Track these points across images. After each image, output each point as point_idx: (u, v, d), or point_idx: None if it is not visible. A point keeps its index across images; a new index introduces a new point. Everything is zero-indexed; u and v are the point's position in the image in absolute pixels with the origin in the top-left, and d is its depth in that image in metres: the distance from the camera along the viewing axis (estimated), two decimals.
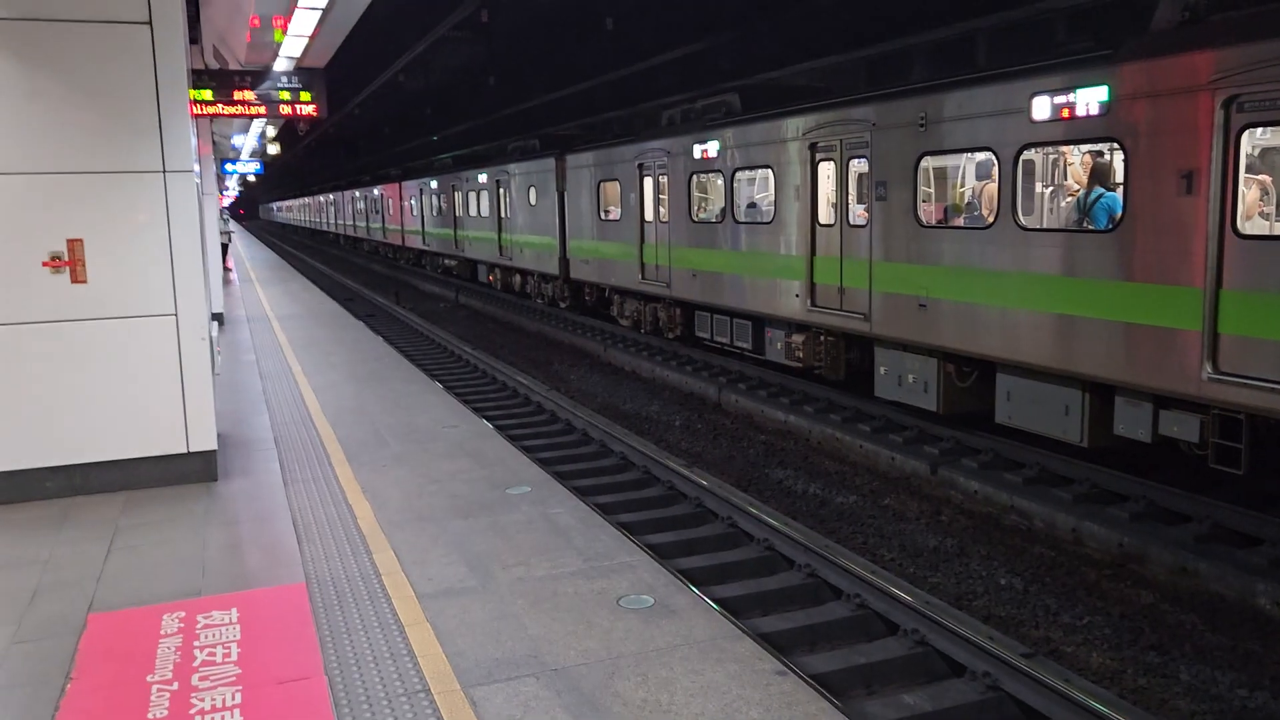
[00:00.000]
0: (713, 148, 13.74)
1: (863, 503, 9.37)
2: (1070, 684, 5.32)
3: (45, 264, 6.99)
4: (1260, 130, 7.02)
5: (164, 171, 7.20)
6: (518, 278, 24.14)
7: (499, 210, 23.91)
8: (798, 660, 5.73)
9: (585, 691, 4.34)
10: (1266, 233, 7.01)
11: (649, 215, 16.02)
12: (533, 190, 21.26)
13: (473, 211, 26.25)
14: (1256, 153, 7.30)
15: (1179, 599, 7.09)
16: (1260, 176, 7.25)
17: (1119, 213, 7.88)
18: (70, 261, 7.04)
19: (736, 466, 10.69)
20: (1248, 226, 7.00)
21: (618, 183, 17.15)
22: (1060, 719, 5.10)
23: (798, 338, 12.26)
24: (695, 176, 14.41)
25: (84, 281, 7.08)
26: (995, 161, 8.89)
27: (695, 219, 14.49)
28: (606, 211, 17.90)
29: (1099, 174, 8.36)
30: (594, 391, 14.86)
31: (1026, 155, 8.71)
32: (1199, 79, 7.05)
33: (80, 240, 7.05)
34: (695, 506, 8.63)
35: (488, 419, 11.20)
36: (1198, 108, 7.07)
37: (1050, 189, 9.16)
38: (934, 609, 6.23)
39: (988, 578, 7.57)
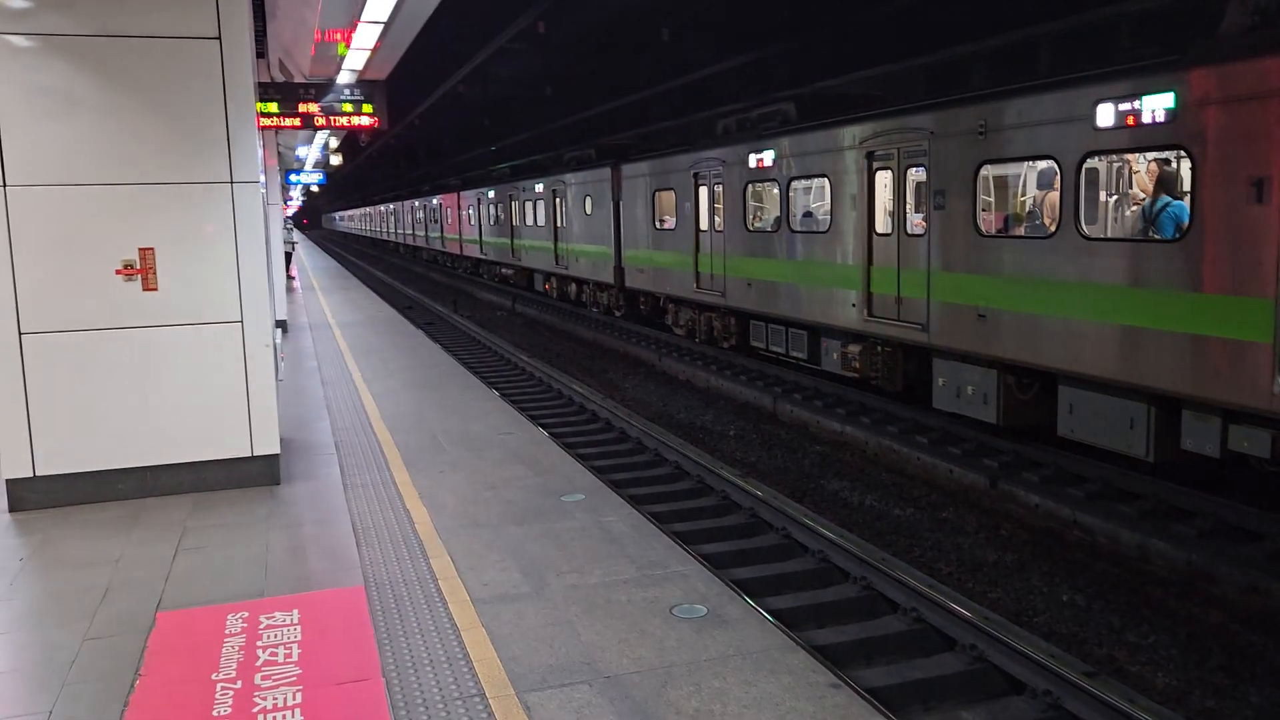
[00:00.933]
0: (768, 157, 13.71)
1: (920, 515, 9.25)
2: (1134, 704, 5.19)
3: (118, 272, 7.21)
4: None
5: (231, 182, 7.39)
6: (573, 286, 24.29)
7: (555, 219, 24.09)
8: (853, 674, 5.68)
9: (638, 700, 4.35)
10: None
11: (704, 224, 16.03)
12: (588, 199, 21.38)
13: (529, 221, 26.48)
14: None
15: (1250, 619, 6.88)
16: None
17: (1186, 222, 7.70)
18: (142, 270, 7.25)
19: (791, 477, 10.62)
20: None
21: (673, 192, 17.19)
22: None
23: (854, 348, 12.16)
24: (750, 185, 14.38)
25: (155, 289, 7.29)
26: (1058, 170, 8.74)
27: (750, 228, 14.46)
28: (661, 221, 17.94)
29: (1165, 182, 8.18)
30: (648, 400, 14.89)
31: (1090, 163, 8.55)
32: (1270, 84, 6.87)
33: (151, 249, 7.26)
34: (749, 517, 8.60)
35: (543, 426, 11.28)
36: (1269, 114, 6.88)
37: (1114, 198, 8.98)
38: (993, 625, 6.13)
39: (1049, 594, 7.42)
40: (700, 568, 5.98)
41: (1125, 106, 8.00)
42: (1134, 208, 8.65)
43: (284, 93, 12.96)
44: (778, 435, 12.45)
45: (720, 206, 15.34)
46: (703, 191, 15.97)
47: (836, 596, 6.95)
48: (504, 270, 31.23)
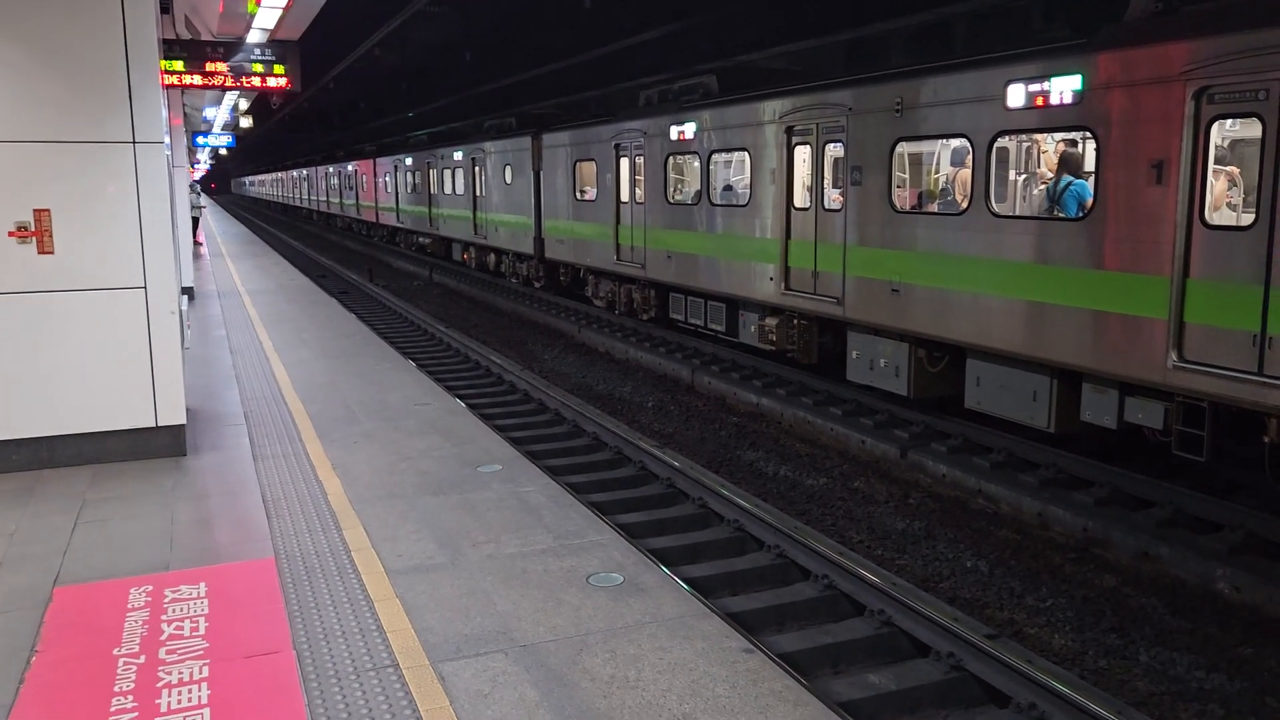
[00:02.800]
0: (690, 129, 13.72)
1: (833, 485, 9.44)
2: (1032, 665, 5.41)
3: (11, 234, 6.89)
4: (1230, 122, 7.10)
5: (134, 142, 7.10)
6: (492, 257, 24.01)
7: (474, 188, 23.75)
8: (765, 639, 5.79)
9: (553, 667, 4.37)
10: (1233, 224, 7.09)
11: (625, 196, 15.98)
12: (508, 169, 21.13)
13: (448, 189, 26.06)
14: (1226, 144, 7.39)
15: (1140, 583, 7.22)
16: (1228, 168, 7.34)
17: (1089, 201, 7.95)
18: (37, 232, 6.93)
19: (708, 448, 10.73)
20: (1215, 217, 7.09)
21: (594, 163, 17.09)
22: (1022, 699, 5.18)
23: (771, 321, 12.30)
24: (672, 158, 14.38)
25: (51, 252, 6.99)
26: (969, 148, 8.94)
27: (671, 200, 14.47)
28: (582, 192, 17.83)
29: (1070, 162, 8.42)
30: (567, 372, 14.86)
31: (1000, 142, 8.76)
32: (1171, 70, 7.12)
33: (47, 210, 6.95)
34: (666, 487, 8.66)
35: (460, 397, 11.17)
36: (1169, 98, 7.13)
37: (1023, 176, 9.23)
38: (900, 590, 6.31)
39: (954, 560, 7.66)
40: (617, 537, 6.02)
41: (1035, 87, 8.21)
42: (1040, 187, 8.91)
43: (190, 50, 12.43)
44: (695, 407, 12.55)
45: (641, 178, 15.31)
46: (624, 163, 15.91)
47: (751, 565, 7.06)
48: (421, 239, 30.72)
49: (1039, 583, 7.24)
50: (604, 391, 13.46)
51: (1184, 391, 7.29)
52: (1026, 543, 7.99)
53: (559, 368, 15.19)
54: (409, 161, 30.13)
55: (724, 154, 13.28)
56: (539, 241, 20.00)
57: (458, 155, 24.90)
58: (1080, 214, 8.04)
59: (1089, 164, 8.17)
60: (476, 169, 23.46)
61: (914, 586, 6.72)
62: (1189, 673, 5.99)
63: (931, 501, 8.97)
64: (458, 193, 25.15)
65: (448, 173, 25.92)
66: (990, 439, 9.65)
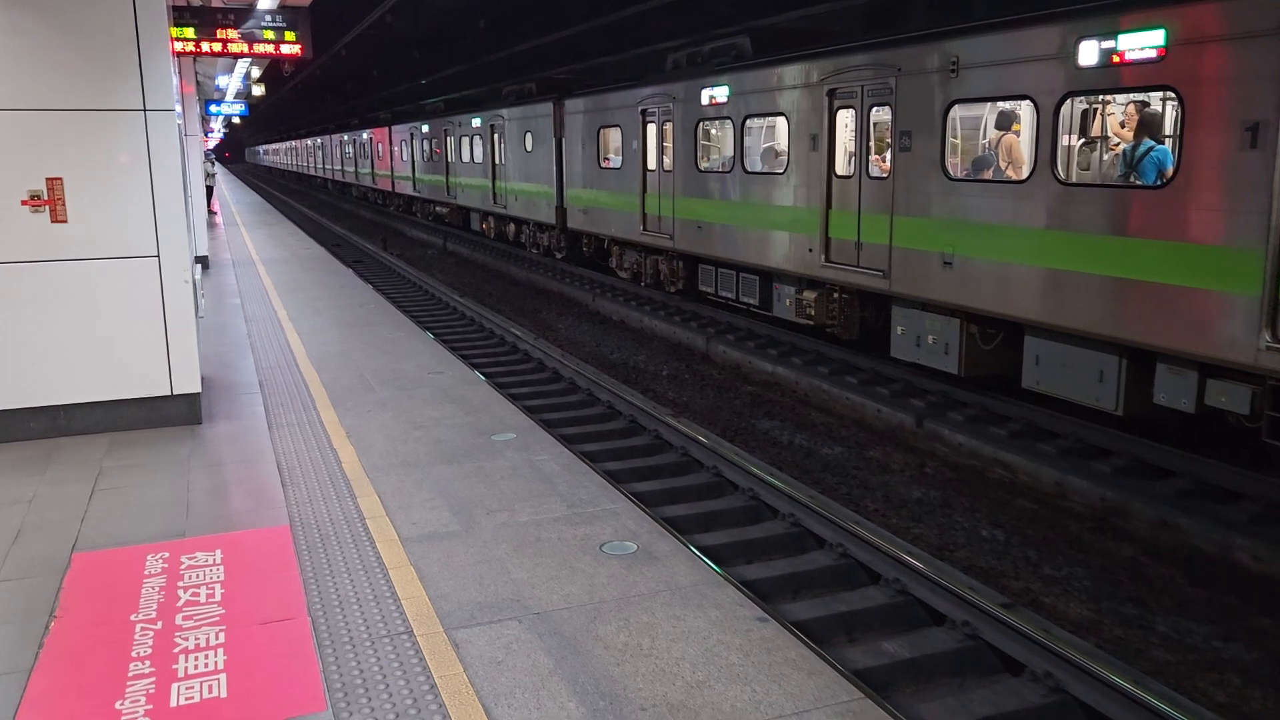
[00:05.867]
0: (722, 93, 13.25)
1: (848, 454, 9.40)
2: (1048, 634, 5.38)
3: (24, 203, 6.89)
4: None
5: (145, 110, 7.07)
6: (511, 226, 23.85)
7: (493, 156, 23.52)
8: (780, 608, 5.78)
9: (567, 635, 4.37)
10: None
11: (652, 164, 15.58)
12: (528, 136, 20.86)
13: (465, 157, 25.84)
14: None
15: (1159, 553, 7.16)
16: None
17: (1170, 167, 7.40)
18: (50, 200, 6.93)
19: (723, 417, 10.70)
20: None
21: (619, 129, 16.75)
22: (1037, 668, 5.16)
23: (809, 294, 11.85)
24: (702, 123, 13.96)
25: (64, 221, 6.99)
26: (1035, 111, 8.34)
27: (701, 168, 14.05)
28: (606, 159, 17.48)
29: (1150, 125, 7.83)
30: (582, 340, 14.83)
31: (1069, 104, 8.18)
32: (1270, 21, 6.51)
33: (60, 179, 6.94)
34: (681, 456, 8.64)
35: (474, 366, 11.17)
36: (1268, 53, 6.54)
37: (1096, 141, 8.64)
38: (916, 559, 6.28)
39: (970, 529, 7.62)
40: (631, 505, 6.01)
41: (1110, 43, 7.58)
42: (1113, 152, 8.33)
43: (201, 17, 12.36)
44: (710, 375, 12.51)
45: (669, 145, 14.89)
46: (651, 129, 15.50)
47: (765, 533, 7.04)
48: (439, 209, 30.62)
49: (1056, 552, 7.20)
50: (619, 360, 13.44)
51: (1278, 374, 6.70)
52: (1044, 512, 7.93)
53: (574, 336, 15.16)
54: (425, 129, 29.89)
55: (759, 119, 12.80)
56: (561, 211, 19.73)
57: (476, 122, 24.65)
58: (1160, 181, 7.49)
59: (1173, 127, 7.58)
60: (495, 136, 23.22)
61: (929, 555, 6.68)
62: (1206, 642, 5.95)
63: (948, 470, 8.92)
64: (476, 161, 24.93)
65: (465, 140, 25.70)
66: (1008, 408, 9.56)
